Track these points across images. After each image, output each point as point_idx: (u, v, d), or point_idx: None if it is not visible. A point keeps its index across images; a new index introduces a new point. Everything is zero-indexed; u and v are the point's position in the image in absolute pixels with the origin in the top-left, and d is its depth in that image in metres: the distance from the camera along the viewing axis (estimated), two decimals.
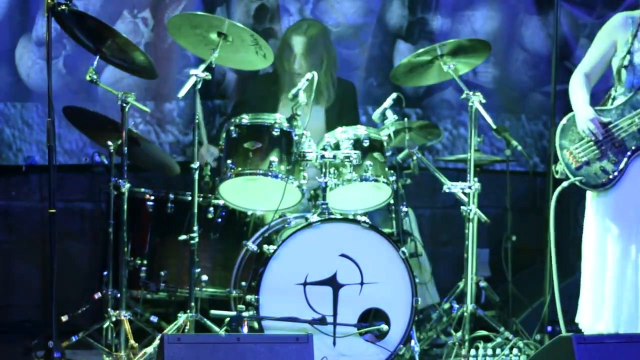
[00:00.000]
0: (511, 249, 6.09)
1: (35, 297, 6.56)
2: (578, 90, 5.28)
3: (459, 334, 5.56)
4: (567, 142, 5.27)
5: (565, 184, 5.26)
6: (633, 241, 5.10)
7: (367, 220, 5.31)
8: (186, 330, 5.28)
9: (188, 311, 5.30)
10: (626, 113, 5.16)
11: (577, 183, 5.22)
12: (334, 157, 5.35)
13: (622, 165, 5.12)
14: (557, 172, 5.34)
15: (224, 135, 5.49)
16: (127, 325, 5.36)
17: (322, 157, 5.35)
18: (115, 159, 5.68)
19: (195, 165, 5.33)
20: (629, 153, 5.12)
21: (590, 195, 5.26)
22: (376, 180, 5.44)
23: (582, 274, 5.27)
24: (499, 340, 5.59)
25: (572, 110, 7.12)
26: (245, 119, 5.44)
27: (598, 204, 5.21)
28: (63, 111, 5.83)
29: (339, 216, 5.38)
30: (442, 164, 6.79)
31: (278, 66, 6.14)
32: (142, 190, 5.80)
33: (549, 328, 5.92)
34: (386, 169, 5.51)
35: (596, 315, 5.14)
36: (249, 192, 5.48)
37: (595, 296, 5.15)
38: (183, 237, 5.36)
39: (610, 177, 5.13)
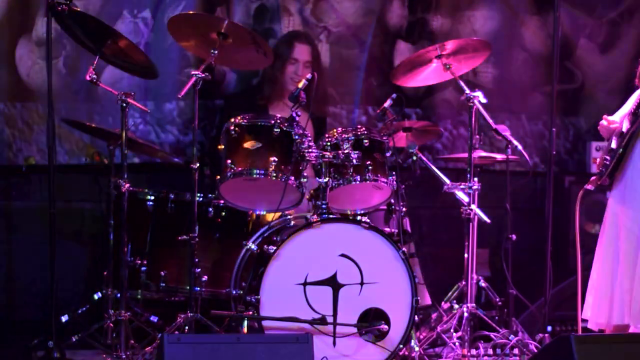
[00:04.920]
0: (511, 249, 6.08)
1: (35, 297, 6.56)
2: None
3: (459, 333, 5.57)
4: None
5: (588, 186, 5.29)
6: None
7: (367, 220, 5.30)
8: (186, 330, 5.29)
9: (188, 311, 5.30)
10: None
11: (597, 181, 5.24)
12: (334, 157, 5.34)
13: (618, 147, 5.13)
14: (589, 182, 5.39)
15: (224, 135, 5.49)
16: (127, 326, 5.36)
17: (322, 157, 5.34)
18: (115, 159, 5.69)
19: (195, 165, 5.33)
20: (622, 138, 5.14)
21: (609, 196, 5.28)
22: (376, 180, 5.44)
23: (594, 270, 5.26)
24: (499, 340, 5.60)
25: (573, 111, 7.16)
26: (245, 119, 5.44)
27: (611, 196, 5.22)
28: (62, 120, 5.85)
29: (339, 216, 5.38)
30: (442, 164, 6.79)
31: (268, 76, 6.16)
32: (142, 190, 5.80)
33: (549, 328, 5.93)
34: (386, 169, 5.51)
35: (602, 308, 5.15)
36: (249, 192, 5.48)
37: (606, 290, 5.17)
38: (183, 237, 5.36)
39: (612, 159, 5.14)
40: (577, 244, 5.34)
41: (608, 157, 5.20)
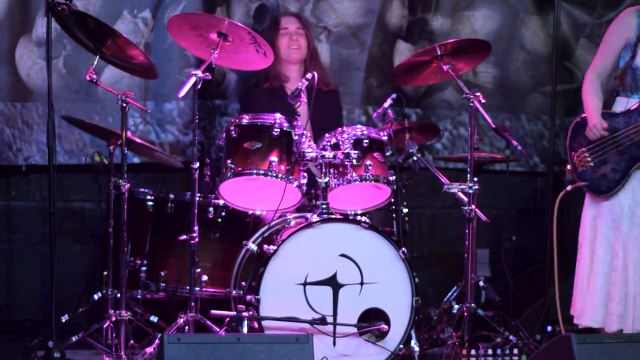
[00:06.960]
0: (511, 249, 6.09)
1: (35, 297, 6.56)
2: (589, 95, 5.17)
3: (459, 333, 5.57)
4: (577, 144, 5.23)
5: (569, 187, 5.25)
6: (619, 252, 5.11)
7: (367, 220, 5.31)
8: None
9: (188, 311, 5.30)
10: (633, 120, 5.11)
11: (583, 187, 5.21)
12: (334, 157, 5.35)
13: (623, 173, 5.09)
14: (564, 173, 5.32)
15: (224, 135, 5.50)
16: (127, 326, 5.37)
17: (322, 157, 5.34)
18: (115, 159, 5.69)
19: (195, 165, 5.33)
20: (632, 162, 5.09)
21: (588, 196, 5.25)
22: (376, 180, 5.44)
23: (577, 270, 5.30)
24: (499, 340, 5.60)
25: (573, 111, 7.15)
26: (245, 119, 5.45)
27: (594, 206, 5.21)
28: (62, 117, 5.83)
29: (339, 216, 5.38)
30: (442, 164, 6.80)
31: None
32: (142, 190, 5.80)
33: (549, 328, 5.93)
34: (386, 169, 5.51)
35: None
36: (249, 192, 5.48)
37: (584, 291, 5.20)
38: (183, 237, 5.36)
39: (612, 184, 5.11)
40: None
41: (610, 174, 5.16)
